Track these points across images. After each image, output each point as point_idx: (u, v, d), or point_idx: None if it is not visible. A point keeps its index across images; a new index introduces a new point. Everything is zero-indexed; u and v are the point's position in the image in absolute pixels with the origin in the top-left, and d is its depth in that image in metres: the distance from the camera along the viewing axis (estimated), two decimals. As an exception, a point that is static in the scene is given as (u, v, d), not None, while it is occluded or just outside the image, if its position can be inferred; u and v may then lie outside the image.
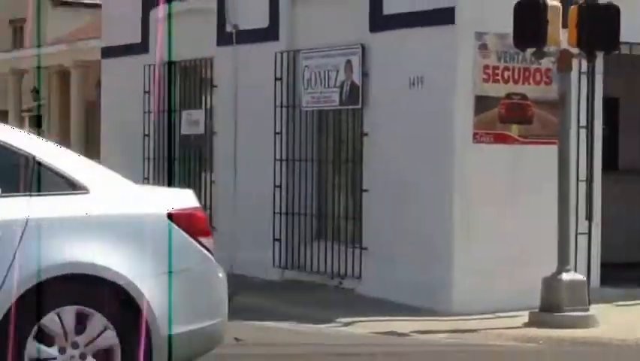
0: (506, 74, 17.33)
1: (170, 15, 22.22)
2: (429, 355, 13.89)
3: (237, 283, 18.00)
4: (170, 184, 21.54)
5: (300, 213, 19.63)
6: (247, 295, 17.65)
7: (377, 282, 17.79)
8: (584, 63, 16.80)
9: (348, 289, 18.33)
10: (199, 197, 21.22)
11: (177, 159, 22.43)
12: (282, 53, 19.89)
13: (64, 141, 40.67)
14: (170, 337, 9.94)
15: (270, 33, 20.25)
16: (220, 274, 10.11)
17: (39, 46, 43.51)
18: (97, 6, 31.67)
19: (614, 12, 15.85)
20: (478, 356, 14.02)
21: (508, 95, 17.22)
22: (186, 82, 22.51)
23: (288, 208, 19.74)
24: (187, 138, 22.08)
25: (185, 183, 21.52)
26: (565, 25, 15.71)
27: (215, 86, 21.40)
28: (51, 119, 42.32)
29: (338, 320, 16.10)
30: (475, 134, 17.03)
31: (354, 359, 13.49)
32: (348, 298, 17.77)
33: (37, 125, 42.90)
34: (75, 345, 9.67)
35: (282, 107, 19.83)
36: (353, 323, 16.02)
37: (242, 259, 19.93)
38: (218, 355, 11.24)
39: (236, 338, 13.61)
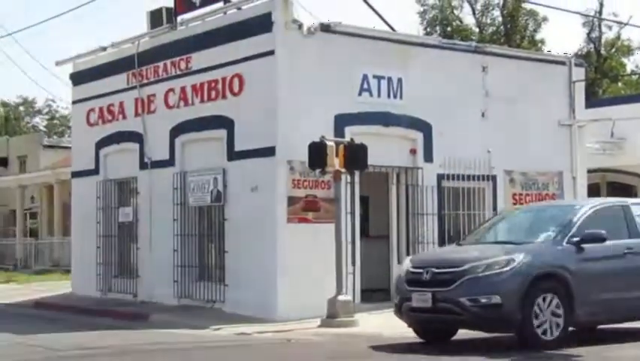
0: (305, 183, 17.56)
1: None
2: (262, 344, 14.09)
3: (154, 307, 19.27)
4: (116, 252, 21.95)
5: (189, 266, 19.37)
6: (161, 314, 18.08)
7: (234, 303, 17.82)
8: (349, 177, 17.22)
9: (217, 308, 18.21)
10: (129, 259, 21.34)
11: (116, 236, 21.96)
12: (177, 173, 19.77)
13: (49, 226, 40.41)
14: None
15: (169, 162, 20.04)
16: None
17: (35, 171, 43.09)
18: (68, 147, 31.44)
19: (364, 149, 16.41)
20: (290, 344, 14.08)
21: (307, 195, 17.54)
22: (121, 190, 22.08)
23: (182, 262, 19.40)
24: (123, 223, 21.63)
25: (119, 251, 21.91)
26: (337, 155, 16.11)
27: (139, 193, 21.02)
28: (42, 215, 41.94)
29: (211, 326, 16.01)
30: (288, 218, 17.36)
31: (222, 349, 13.49)
32: (217, 314, 17.55)
33: (32, 218, 43.31)
34: None
35: (177, 204, 19.67)
36: (220, 328, 15.90)
37: (157, 293, 20.06)
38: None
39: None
